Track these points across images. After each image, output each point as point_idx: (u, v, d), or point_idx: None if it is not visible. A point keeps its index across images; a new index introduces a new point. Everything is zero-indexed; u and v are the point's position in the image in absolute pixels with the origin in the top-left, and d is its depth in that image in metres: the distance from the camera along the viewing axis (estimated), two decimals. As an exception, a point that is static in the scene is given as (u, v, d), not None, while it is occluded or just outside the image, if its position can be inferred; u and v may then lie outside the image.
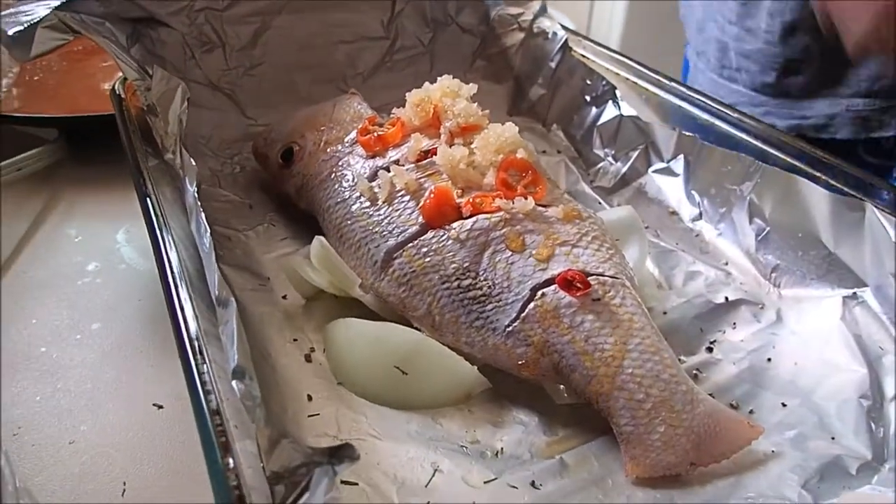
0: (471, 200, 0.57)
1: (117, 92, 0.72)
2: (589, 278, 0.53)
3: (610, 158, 0.81)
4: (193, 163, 0.59)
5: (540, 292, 0.53)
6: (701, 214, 0.73)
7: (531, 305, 0.52)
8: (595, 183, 0.81)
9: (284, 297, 0.63)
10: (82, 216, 0.79)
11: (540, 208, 0.57)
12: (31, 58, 0.64)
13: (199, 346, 0.43)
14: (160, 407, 0.56)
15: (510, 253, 0.54)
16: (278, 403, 0.50)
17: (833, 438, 0.51)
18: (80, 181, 0.85)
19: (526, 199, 0.56)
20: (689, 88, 0.78)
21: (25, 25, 0.61)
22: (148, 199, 0.59)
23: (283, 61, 0.86)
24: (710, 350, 0.59)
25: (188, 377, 0.41)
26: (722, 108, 0.73)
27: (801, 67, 0.95)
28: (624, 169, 0.79)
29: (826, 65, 0.93)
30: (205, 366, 0.42)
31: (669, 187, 0.76)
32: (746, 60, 0.98)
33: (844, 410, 0.52)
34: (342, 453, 0.37)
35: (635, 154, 0.79)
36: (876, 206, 0.57)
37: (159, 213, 0.57)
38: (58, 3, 0.64)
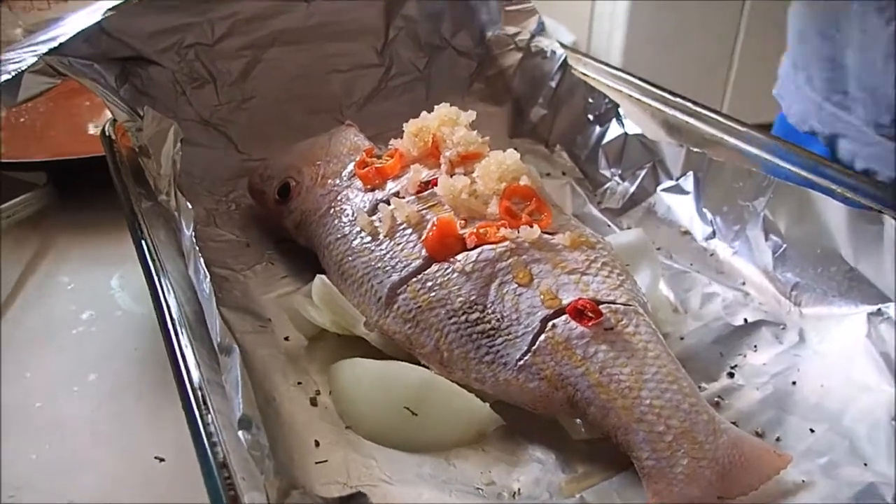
0: (475, 231, 0.58)
1: (108, 134, 0.74)
2: (600, 307, 0.54)
3: (617, 178, 0.83)
4: (189, 205, 0.60)
5: (550, 323, 0.54)
6: (714, 233, 0.74)
7: (542, 338, 0.53)
8: (603, 204, 0.82)
9: (286, 339, 0.64)
10: (75, 262, 0.81)
11: (546, 236, 0.58)
12: (18, 103, 0.66)
13: (202, 395, 0.44)
14: (162, 460, 0.57)
15: (517, 284, 0.55)
16: (285, 451, 0.51)
17: (865, 464, 0.51)
18: (71, 226, 0.86)
19: (531, 227, 0.58)
20: (695, 103, 0.79)
21: (13, 74, 0.64)
22: (143, 243, 0.60)
23: (275, 94, 0.88)
24: (731, 375, 0.60)
25: (193, 429, 0.42)
26: (730, 123, 0.75)
27: None
28: (632, 189, 0.81)
29: None
30: (209, 416, 0.43)
31: (680, 206, 0.77)
32: (863, 92, 0.85)
33: (875, 434, 0.53)
34: (354, 502, 0.38)
35: (643, 173, 0.80)
36: (895, 218, 0.58)
37: (156, 258, 0.58)
38: (45, 49, 0.66)
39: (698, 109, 0.78)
